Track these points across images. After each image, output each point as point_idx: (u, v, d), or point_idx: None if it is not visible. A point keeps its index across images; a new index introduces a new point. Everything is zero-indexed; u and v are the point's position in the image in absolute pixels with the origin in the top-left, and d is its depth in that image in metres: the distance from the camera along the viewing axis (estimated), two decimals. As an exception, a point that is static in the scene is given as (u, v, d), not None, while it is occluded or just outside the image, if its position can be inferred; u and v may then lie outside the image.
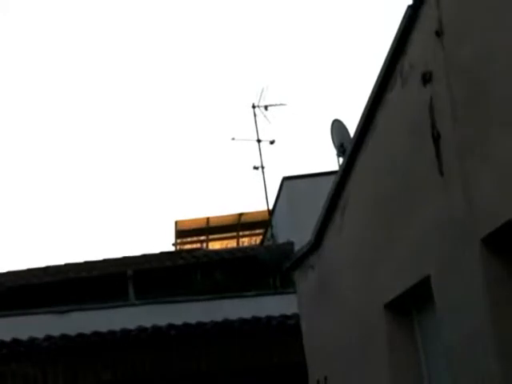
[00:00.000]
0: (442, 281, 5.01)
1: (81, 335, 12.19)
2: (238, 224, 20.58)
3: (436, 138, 4.87)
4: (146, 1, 30.21)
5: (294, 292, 8.52)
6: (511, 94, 4.09)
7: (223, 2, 31.27)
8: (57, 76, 32.00)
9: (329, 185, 7.08)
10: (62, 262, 16.28)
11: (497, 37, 4.19)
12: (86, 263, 16.18)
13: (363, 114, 6.06)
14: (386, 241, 5.83)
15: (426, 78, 4.94)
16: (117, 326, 12.43)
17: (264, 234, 18.73)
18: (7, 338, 11.98)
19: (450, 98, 4.71)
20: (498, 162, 4.25)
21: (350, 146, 6.60)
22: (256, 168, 17.43)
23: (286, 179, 16.42)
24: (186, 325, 12.49)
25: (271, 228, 17.28)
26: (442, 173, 4.84)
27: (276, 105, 17.49)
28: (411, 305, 5.76)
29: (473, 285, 4.60)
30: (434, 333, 5.47)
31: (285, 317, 12.18)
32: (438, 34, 4.76)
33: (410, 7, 5.12)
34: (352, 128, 8.20)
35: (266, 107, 17.43)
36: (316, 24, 30.66)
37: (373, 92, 5.82)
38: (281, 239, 16.24)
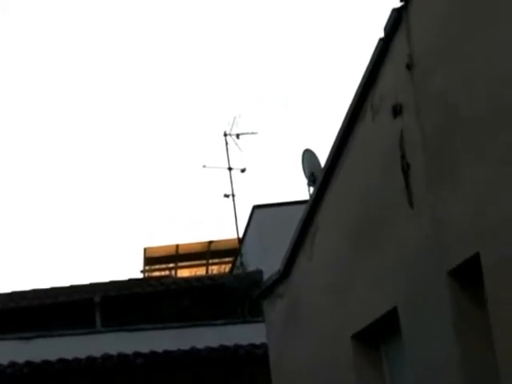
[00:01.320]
0: (409, 313, 5.02)
1: (46, 362, 12.02)
2: (208, 252, 20.51)
3: (406, 170, 4.90)
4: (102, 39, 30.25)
5: (263, 321, 8.49)
6: (480, 126, 4.13)
7: (195, 29, 31.41)
8: (56, 76, 31.88)
9: (299, 214, 7.09)
10: (27, 288, 16.09)
11: (467, 69, 4.25)
12: (53, 289, 15.99)
13: (334, 145, 6.09)
14: (355, 271, 5.84)
15: (397, 110, 4.99)
16: (82, 354, 12.27)
17: (233, 262, 18.68)
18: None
19: (420, 129, 4.76)
20: (467, 195, 4.28)
21: (320, 175, 6.63)
22: (227, 196, 17.43)
23: (256, 208, 16.43)
24: (152, 353, 12.37)
25: (241, 256, 17.25)
26: (411, 204, 4.87)
27: (247, 133, 17.56)
28: (379, 336, 5.76)
29: (440, 318, 4.61)
30: (401, 365, 5.46)
31: (253, 346, 12.12)
32: (409, 66, 4.82)
33: (381, 40, 5.17)
34: (323, 158, 8.25)
35: (237, 135, 17.48)
36: (286, 54, 30.92)
37: (344, 123, 5.86)
38: (250, 267, 16.21)
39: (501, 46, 3.93)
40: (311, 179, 11.18)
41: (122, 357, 12.25)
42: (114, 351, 12.36)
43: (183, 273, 20.89)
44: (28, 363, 12.01)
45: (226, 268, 20.18)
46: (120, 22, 30.16)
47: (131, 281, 16.85)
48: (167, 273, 20.72)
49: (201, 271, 20.94)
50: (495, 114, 4.00)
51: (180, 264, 21.12)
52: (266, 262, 13.78)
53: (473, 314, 4.41)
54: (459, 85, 4.33)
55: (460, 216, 4.34)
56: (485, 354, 4.30)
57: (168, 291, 15.84)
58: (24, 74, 30.08)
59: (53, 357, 12.11)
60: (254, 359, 11.65)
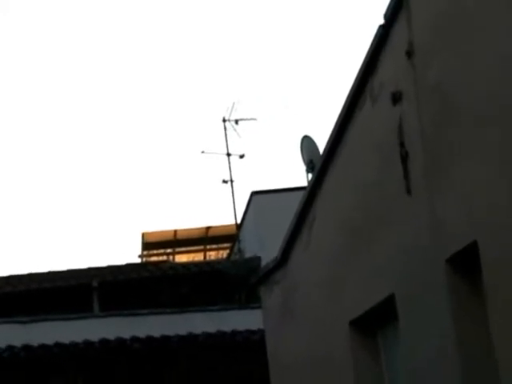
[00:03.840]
0: (407, 300, 5.02)
1: (43, 346, 12.04)
2: (206, 237, 20.51)
3: (404, 157, 4.90)
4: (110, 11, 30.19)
5: (260, 307, 8.50)
6: (480, 114, 4.13)
7: (195, 15, 31.31)
8: (55, 76, 31.82)
9: (297, 200, 7.08)
10: (25, 272, 16.09)
11: (467, 58, 4.24)
12: (51, 273, 15.99)
13: (333, 132, 6.08)
14: (353, 258, 5.84)
15: (396, 98, 4.98)
16: (80, 338, 12.29)
17: (231, 248, 18.68)
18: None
19: (419, 117, 4.75)
20: (464, 183, 4.28)
21: (319, 162, 6.62)
22: (225, 182, 17.40)
23: (254, 194, 16.41)
24: (150, 338, 12.39)
25: (238, 242, 17.24)
26: (409, 192, 4.87)
27: (246, 119, 17.50)
28: (376, 323, 5.76)
29: (437, 305, 4.62)
30: (398, 352, 5.47)
31: (250, 332, 12.14)
32: (409, 54, 4.80)
33: (381, 27, 5.15)
34: (321, 145, 8.23)
35: (236, 121, 17.43)
36: (288, 41, 30.83)
37: (343, 110, 5.85)
38: (248, 254, 16.21)
39: (501, 35, 3.91)
40: (310, 166, 11.17)
41: (119, 341, 12.28)
42: (111, 336, 12.38)
43: (181, 258, 20.91)
44: (25, 347, 12.03)
45: (224, 254, 20.19)
46: (117, 11, 30.09)
47: (129, 266, 16.85)
48: (165, 258, 20.73)
49: (198, 257, 20.96)
50: (492, 103, 3.99)
51: (178, 249, 21.13)
52: (264, 248, 13.79)
53: (470, 301, 4.42)
54: (458, 73, 4.32)
55: (458, 204, 4.34)
56: (482, 340, 4.31)
57: (166, 276, 15.85)
58: (24, 73, 30.07)
59: (50, 341, 12.13)
60: (251, 345, 11.67)
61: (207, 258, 20.84)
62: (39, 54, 29.77)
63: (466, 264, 4.40)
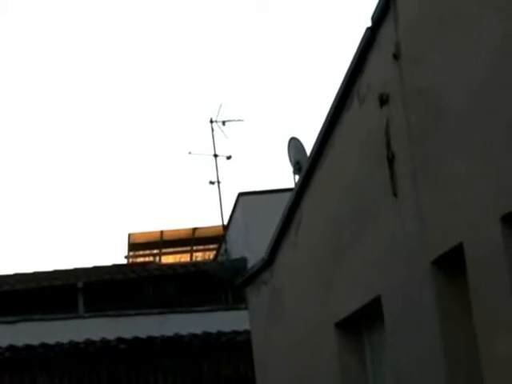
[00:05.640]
0: (392, 302, 5.04)
1: (28, 346, 11.99)
2: (192, 238, 20.48)
3: (391, 159, 4.91)
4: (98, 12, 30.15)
5: (246, 308, 8.50)
6: (465, 117, 4.15)
7: (182, 17, 31.27)
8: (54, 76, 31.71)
9: (284, 202, 7.09)
10: (10, 272, 16.01)
11: (453, 61, 4.25)
12: (36, 274, 15.93)
13: (320, 133, 6.09)
14: (339, 259, 5.85)
15: (383, 100, 4.99)
16: (65, 339, 12.25)
17: (218, 250, 18.67)
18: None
19: (405, 119, 4.76)
20: (450, 185, 4.30)
21: (306, 164, 6.63)
22: (212, 183, 17.39)
23: (241, 195, 16.41)
24: (135, 338, 12.36)
25: (225, 243, 17.24)
26: (395, 194, 4.88)
27: (234, 120, 17.50)
28: (362, 325, 5.78)
29: (423, 307, 4.63)
30: (384, 353, 5.49)
31: (236, 333, 12.14)
32: (396, 56, 4.81)
33: (368, 29, 5.16)
34: (309, 146, 8.24)
35: (223, 122, 17.42)
36: (275, 41, 30.85)
37: (330, 111, 5.86)
38: (234, 255, 16.21)
39: (487, 37, 3.93)
40: (297, 167, 11.18)
41: (104, 342, 12.24)
42: (96, 336, 12.34)
43: (167, 259, 20.87)
44: (10, 347, 11.97)
45: (211, 255, 20.17)
46: (106, 15, 30.03)
47: (115, 266, 16.81)
48: (151, 259, 20.68)
49: (185, 258, 20.92)
50: (478, 105, 4.01)
51: (164, 250, 21.09)
52: (251, 249, 13.79)
53: (455, 303, 4.44)
54: (445, 76, 4.34)
55: (444, 206, 4.36)
56: (467, 342, 4.33)
57: (152, 277, 15.82)
58: (24, 73, 29.97)
59: (35, 341, 12.08)
60: (237, 346, 11.67)
61: (194, 258, 20.82)
62: (39, 53, 29.73)
63: (451, 266, 4.42)
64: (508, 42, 3.77)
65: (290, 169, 11.64)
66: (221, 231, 17.61)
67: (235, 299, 14.56)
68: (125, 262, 20.24)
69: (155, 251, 21.17)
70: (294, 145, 11.51)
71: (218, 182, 17.40)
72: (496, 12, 3.86)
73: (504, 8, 3.79)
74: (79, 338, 12.33)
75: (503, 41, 3.81)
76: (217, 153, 17.49)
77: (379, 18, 5.02)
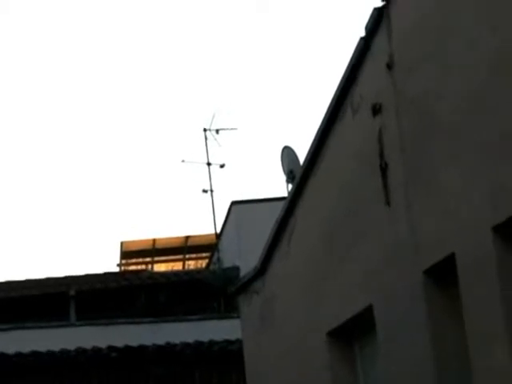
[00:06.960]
0: (384, 311, 5.04)
1: (19, 354, 11.94)
2: (185, 247, 20.46)
3: (384, 169, 4.92)
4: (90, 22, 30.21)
5: (239, 317, 8.49)
6: (458, 126, 4.16)
7: (176, 25, 31.33)
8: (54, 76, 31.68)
9: (277, 211, 7.09)
10: (2, 280, 15.96)
11: (446, 71, 4.27)
12: (28, 281, 15.87)
13: (313, 142, 6.10)
14: (332, 269, 5.85)
15: (376, 109, 5.01)
16: (56, 347, 12.20)
17: (210, 258, 18.65)
18: None
19: (398, 129, 4.78)
20: (443, 195, 4.31)
21: (299, 173, 6.63)
22: (205, 191, 17.38)
23: (234, 203, 16.41)
24: (127, 347, 12.32)
25: (218, 252, 17.22)
26: (388, 203, 4.89)
27: (227, 129, 17.51)
28: (354, 334, 5.77)
29: (415, 316, 4.64)
30: (375, 363, 5.48)
31: (228, 342, 12.11)
32: (389, 66, 4.83)
33: (362, 39, 5.18)
34: (302, 155, 8.25)
35: (217, 131, 17.43)
36: (269, 51, 30.91)
37: (323, 121, 5.87)
38: (227, 263, 16.19)
39: (480, 48, 3.95)
40: (290, 176, 11.18)
41: (96, 350, 12.19)
42: (88, 345, 12.29)
43: (160, 267, 20.83)
44: (1, 355, 11.92)
45: (203, 263, 20.14)
46: (106, 15, 30.06)
47: (107, 274, 16.76)
48: (144, 267, 20.65)
49: (178, 266, 20.89)
50: (470, 115, 4.03)
51: (157, 258, 21.05)
52: (243, 258, 13.78)
53: (447, 312, 4.44)
54: (438, 86, 4.36)
55: (436, 216, 4.37)
56: (458, 351, 4.33)
57: (144, 286, 15.78)
58: (24, 73, 29.96)
59: (26, 349, 12.03)
60: (229, 355, 11.64)
61: (186, 267, 20.78)
62: (39, 53, 29.71)
63: (443, 275, 4.42)
64: (501, 54, 3.80)
65: (283, 178, 11.65)
66: (213, 240, 17.59)
67: (227, 308, 14.54)
68: (117, 270, 20.20)
69: (148, 259, 21.13)
70: (288, 154, 11.52)
71: (211, 191, 17.40)
72: (489, 25, 3.88)
73: (497, 21, 3.82)
74: (70, 346, 12.28)
75: (496, 52, 3.83)
76: (210, 161, 17.50)
77: (373, 28, 5.04)
